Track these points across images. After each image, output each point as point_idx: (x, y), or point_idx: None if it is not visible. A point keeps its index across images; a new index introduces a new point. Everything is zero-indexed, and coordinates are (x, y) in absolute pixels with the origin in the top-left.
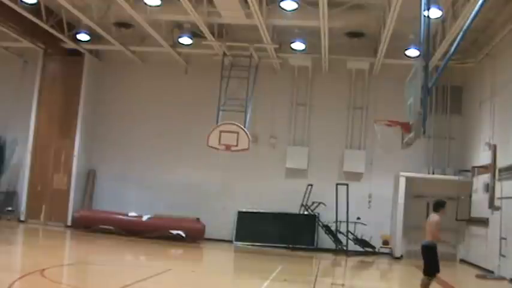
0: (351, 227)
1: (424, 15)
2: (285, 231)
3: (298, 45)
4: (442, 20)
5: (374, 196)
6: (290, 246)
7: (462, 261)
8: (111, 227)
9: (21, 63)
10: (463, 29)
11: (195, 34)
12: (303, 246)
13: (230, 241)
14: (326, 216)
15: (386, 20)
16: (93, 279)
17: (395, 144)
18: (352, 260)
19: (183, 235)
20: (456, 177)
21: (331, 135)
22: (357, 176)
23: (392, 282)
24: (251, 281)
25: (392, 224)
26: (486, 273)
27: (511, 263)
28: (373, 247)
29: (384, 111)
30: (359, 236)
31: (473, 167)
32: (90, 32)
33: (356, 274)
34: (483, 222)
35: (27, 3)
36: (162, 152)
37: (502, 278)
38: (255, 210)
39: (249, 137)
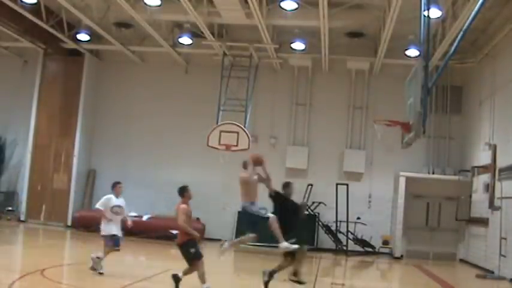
0: (351, 227)
1: (424, 15)
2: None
3: (298, 45)
4: (442, 20)
5: (374, 196)
6: None
7: (462, 261)
8: None
9: (21, 63)
10: (463, 29)
11: (195, 34)
12: None
13: None
14: (326, 216)
15: (386, 20)
16: (93, 279)
17: (395, 144)
18: (352, 260)
19: None
20: (456, 177)
21: (331, 135)
22: (357, 176)
23: (392, 282)
24: (251, 281)
25: (392, 224)
26: (486, 273)
27: (511, 263)
28: (373, 247)
29: (383, 111)
30: (359, 236)
31: (473, 167)
32: (90, 32)
33: (356, 274)
34: (483, 222)
35: (27, 3)
36: (162, 152)
37: (502, 278)
38: None
39: (249, 137)
